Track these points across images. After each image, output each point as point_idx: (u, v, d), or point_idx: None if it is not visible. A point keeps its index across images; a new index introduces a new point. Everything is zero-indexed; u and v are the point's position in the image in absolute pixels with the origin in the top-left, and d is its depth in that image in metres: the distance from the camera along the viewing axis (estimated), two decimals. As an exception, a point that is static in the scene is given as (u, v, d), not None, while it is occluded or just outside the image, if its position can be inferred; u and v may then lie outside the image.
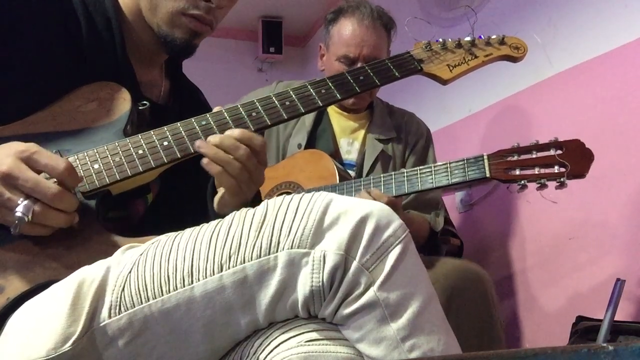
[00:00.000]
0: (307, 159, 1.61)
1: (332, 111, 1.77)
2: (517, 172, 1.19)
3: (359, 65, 1.45)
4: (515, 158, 1.21)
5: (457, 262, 1.56)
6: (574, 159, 1.15)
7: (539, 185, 1.16)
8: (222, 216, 0.93)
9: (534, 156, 1.19)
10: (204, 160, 0.85)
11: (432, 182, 1.30)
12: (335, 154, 1.70)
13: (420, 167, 1.33)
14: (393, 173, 1.36)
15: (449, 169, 1.28)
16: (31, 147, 0.74)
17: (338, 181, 1.50)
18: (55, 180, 0.74)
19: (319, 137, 1.72)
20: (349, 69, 0.99)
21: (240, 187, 0.86)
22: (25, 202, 0.71)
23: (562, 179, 1.14)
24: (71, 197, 0.75)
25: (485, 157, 1.25)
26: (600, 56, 1.71)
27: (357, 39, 1.62)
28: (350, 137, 1.74)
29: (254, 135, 0.86)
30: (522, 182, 1.17)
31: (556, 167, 1.16)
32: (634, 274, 1.53)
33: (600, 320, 1.36)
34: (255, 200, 0.95)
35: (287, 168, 1.63)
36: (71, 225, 0.78)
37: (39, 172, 0.73)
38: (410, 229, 1.62)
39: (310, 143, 1.71)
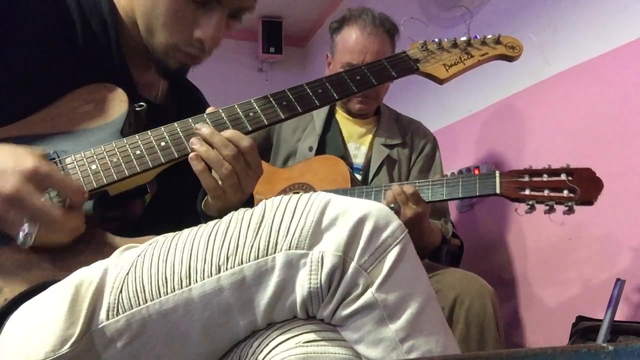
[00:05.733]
0: (323, 163, 1.65)
1: (341, 117, 1.81)
2: (527, 192, 1.21)
3: None
4: (527, 179, 1.23)
5: (460, 273, 1.57)
6: (584, 186, 1.17)
7: (547, 207, 1.18)
8: (209, 217, 0.93)
9: (544, 179, 1.21)
10: (192, 155, 0.85)
11: (443, 194, 1.33)
12: (345, 159, 1.73)
13: (433, 179, 1.36)
14: (406, 183, 1.39)
15: (460, 183, 1.31)
16: (40, 167, 0.73)
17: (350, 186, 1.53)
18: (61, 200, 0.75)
19: (329, 142, 1.76)
20: (346, 70, 0.99)
21: (224, 191, 0.86)
22: (29, 223, 0.72)
23: (570, 203, 1.16)
24: (76, 218, 0.77)
25: (497, 174, 1.27)
26: (600, 56, 1.71)
27: (360, 46, 1.66)
28: (357, 141, 1.77)
29: (243, 136, 0.86)
30: (531, 202, 1.20)
31: (565, 192, 1.18)
32: (634, 274, 1.52)
33: (600, 320, 1.35)
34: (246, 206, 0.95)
35: (303, 170, 1.67)
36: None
37: (46, 188, 0.74)
38: (432, 237, 1.63)
39: (321, 147, 1.74)
